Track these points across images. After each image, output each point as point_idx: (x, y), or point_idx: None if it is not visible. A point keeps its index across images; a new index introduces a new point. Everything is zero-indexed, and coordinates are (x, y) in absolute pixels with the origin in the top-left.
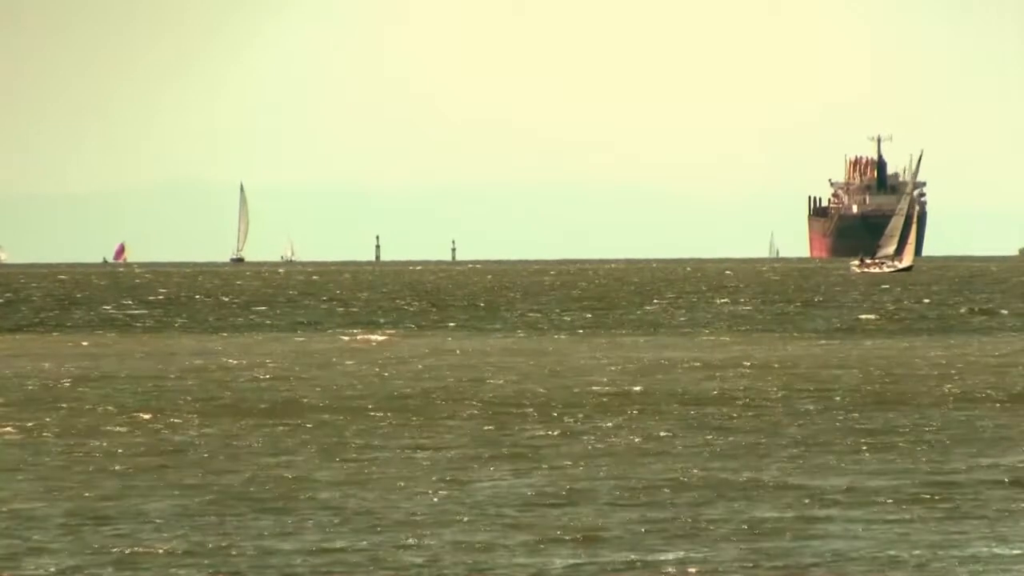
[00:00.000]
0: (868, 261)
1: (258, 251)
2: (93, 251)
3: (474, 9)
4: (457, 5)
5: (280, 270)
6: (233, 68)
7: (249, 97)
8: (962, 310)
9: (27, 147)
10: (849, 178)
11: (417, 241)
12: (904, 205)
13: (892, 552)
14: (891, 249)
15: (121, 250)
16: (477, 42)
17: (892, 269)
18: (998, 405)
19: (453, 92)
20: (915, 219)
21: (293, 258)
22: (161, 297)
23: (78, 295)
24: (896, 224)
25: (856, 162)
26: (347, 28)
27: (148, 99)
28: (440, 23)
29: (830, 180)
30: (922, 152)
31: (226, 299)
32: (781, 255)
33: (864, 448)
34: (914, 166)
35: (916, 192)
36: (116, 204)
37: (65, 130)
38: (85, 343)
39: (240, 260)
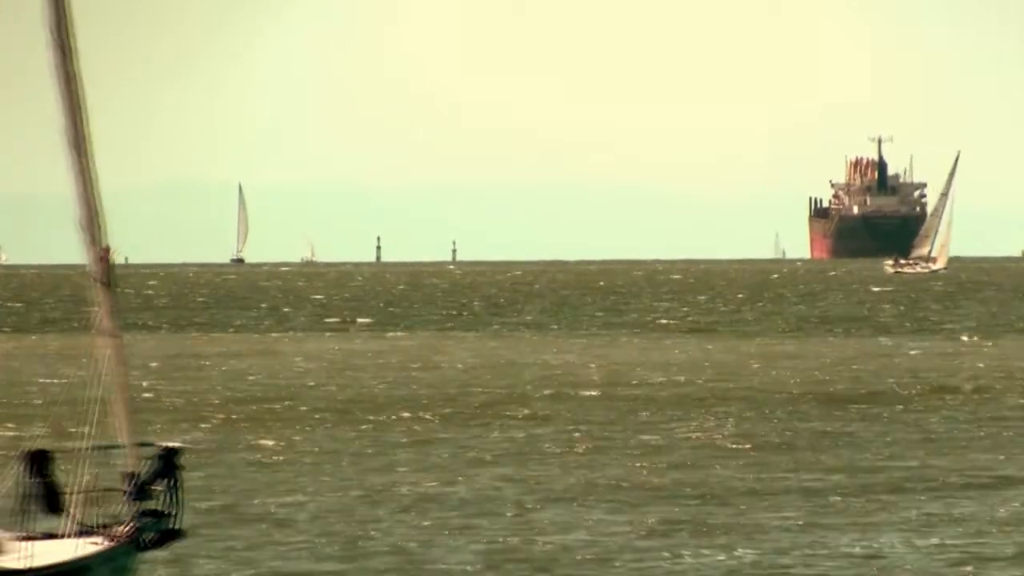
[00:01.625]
0: (903, 261)
1: (259, 252)
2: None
3: (474, 9)
4: (457, 5)
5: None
6: (233, 68)
7: (249, 97)
8: None
9: (27, 147)
10: (850, 179)
11: (418, 241)
12: (941, 207)
13: None
14: (925, 250)
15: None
16: (477, 42)
17: (927, 270)
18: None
19: (453, 92)
20: (950, 222)
21: (313, 259)
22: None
23: None
24: (930, 225)
25: (857, 163)
26: (347, 28)
27: (148, 99)
28: (440, 23)
29: (831, 181)
30: (959, 153)
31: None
32: (787, 256)
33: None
34: (950, 167)
35: (917, 193)
36: (116, 204)
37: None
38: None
39: (240, 261)
